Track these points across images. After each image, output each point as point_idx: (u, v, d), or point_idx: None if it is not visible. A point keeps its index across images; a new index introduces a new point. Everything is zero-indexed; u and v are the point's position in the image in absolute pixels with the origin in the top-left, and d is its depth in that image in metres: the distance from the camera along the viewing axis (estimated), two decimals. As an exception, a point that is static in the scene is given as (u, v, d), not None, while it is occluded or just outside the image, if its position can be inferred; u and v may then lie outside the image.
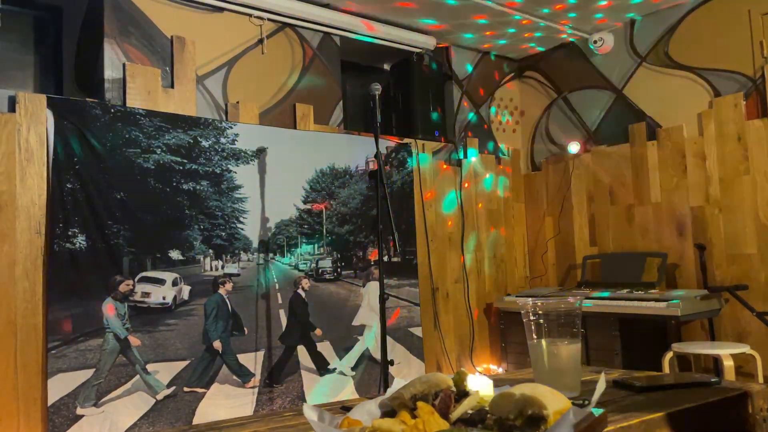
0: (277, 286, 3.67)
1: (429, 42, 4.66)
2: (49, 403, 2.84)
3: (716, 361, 3.50)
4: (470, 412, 1.08)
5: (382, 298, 2.79)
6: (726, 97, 4.05)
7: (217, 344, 3.36)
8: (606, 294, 3.99)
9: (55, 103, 3.02)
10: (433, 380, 1.11)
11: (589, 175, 4.81)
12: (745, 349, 3.44)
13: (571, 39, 4.88)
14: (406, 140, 4.43)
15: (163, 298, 3.25)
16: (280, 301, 3.67)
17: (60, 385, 2.88)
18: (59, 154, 3.00)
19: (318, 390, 3.69)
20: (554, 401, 1.00)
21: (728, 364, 3.28)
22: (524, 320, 1.44)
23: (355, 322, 3.95)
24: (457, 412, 1.07)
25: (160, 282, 3.26)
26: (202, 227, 3.44)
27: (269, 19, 3.94)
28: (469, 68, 5.05)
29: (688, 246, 4.20)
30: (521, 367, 4.32)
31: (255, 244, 3.62)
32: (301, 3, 3.96)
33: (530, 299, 1.43)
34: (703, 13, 4.19)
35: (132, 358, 3.09)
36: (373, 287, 4.00)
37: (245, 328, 3.49)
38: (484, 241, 4.92)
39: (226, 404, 3.31)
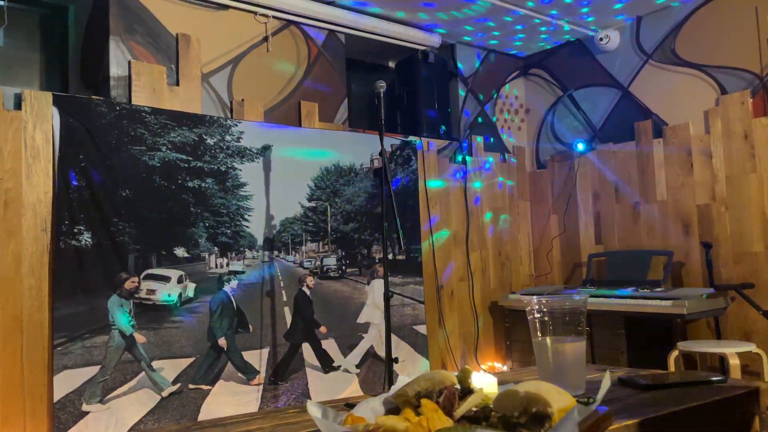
0: (281, 284, 3.68)
1: (434, 39, 4.66)
2: (55, 399, 2.85)
3: (722, 359, 3.49)
4: (474, 409, 1.08)
5: (387, 296, 2.79)
6: (733, 94, 4.03)
7: (222, 341, 3.36)
8: (611, 292, 3.98)
9: (60, 100, 3.03)
10: (438, 377, 1.11)
11: (595, 173, 4.79)
12: (751, 347, 3.42)
13: (576, 36, 4.87)
14: (410, 138, 4.42)
15: (169, 296, 3.26)
16: (284, 299, 3.67)
17: (66, 382, 2.89)
18: (65, 152, 3.01)
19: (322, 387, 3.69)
20: (559, 399, 1.00)
21: (734, 362, 3.27)
22: (529, 318, 1.43)
23: (360, 320, 3.95)
24: (461, 410, 1.07)
25: (166, 279, 3.27)
26: (207, 225, 3.44)
27: (274, 17, 3.94)
28: (475, 66, 5.04)
29: (694, 244, 4.18)
30: (526, 365, 4.32)
31: (260, 242, 3.62)
32: (306, 0, 3.96)
33: (535, 297, 1.42)
34: (710, 11, 4.17)
35: (137, 355, 3.10)
36: (378, 285, 4.00)
37: (250, 326, 3.49)
38: (489, 239, 4.91)
39: (231, 401, 3.32)
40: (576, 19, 4.52)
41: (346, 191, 4.04)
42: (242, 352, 3.43)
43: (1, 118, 2.89)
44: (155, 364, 3.14)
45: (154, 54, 3.48)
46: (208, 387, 3.28)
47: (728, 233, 4.02)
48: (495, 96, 5.17)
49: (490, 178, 4.97)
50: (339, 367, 3.79)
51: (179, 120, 3.35)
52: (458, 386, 1.11)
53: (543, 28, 4.66)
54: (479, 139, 4.94)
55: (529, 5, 4.22)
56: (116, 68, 3.34)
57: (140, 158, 3.21)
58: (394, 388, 1.17)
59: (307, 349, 3.69)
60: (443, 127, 4.72)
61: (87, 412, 2.92)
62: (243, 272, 3.55)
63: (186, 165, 3.37)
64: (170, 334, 3.22)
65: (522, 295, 4.51)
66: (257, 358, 3.48)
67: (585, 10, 4.34)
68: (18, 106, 2.94)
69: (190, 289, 3.35)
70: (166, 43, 3.53)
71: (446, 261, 4.59)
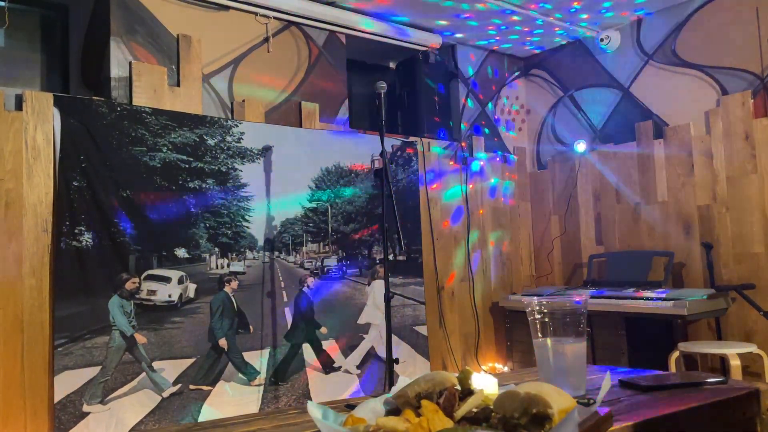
0: (282, 285, 3.68)
1: (435, 40, 4.66)
2: (56, 400, 2.85)
3: (723, 360, 3.48)
4: (475, 410, 1.08)
5: (387, 297, 2.79)
6: (733, 95, 4.03)
7: (222, 342, 3.36)
8: (612, 293, 3.97)
9: (61, 101, 3.04)
10: (438, 378, 1.11)
11: (596, 174, 4.79)
12: (752, 348, 3.42)
13: (577, 37, 4.86)
14: (411, 139, 4.43)
15: (169, 296, 3.26)
16: (285, 300, 3.67)
17: (66, 383, 2.89)
18: (66, 153, 3.01)
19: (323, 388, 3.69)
20: (559, 400, 1.00)
21: (735, 363, 3.26)
22: (530, 319, 1.43)
23: (361, 321, 3.95)
24: (461, 411, 1.07)
25: (166, 280, 3.27)
26: (207, 225, 3.45)
27: (275, 18, 3.94)
28: (475, 66, 5.04)
29: (694, 245, 4.18)
30: (526, 365, 4.31)
31: (260, 243, 3.62)
32: (307, 1, 3.96)
33: (536, 298, 1.42)
34: (711, 11, 4.17)
35: (138, 356, 3.10)
36: (379, 286, 4.00)
37: (251, 326, 3.50)
38: (490, 240, 4.91)
39: (231, 402, 3.32)
40: (577, 19, 4.51)
41: (347, 192, 4.04)
42: (243, 353, 3.43)
43: (2, 119, 2.89)
44: (156, 364, 3.14)
45: (155, 55, 3.48)
46: (209, 388, 3.28)
47: (729, 234, 4.01)
48: (495, 96, 5.17)
49: (490, 179, 4.98)
50: (340, 367, 3.79)
51: (180, 121, 3.36)
52: (459, 387, 1.11)
53: (544, 29, 4.66)
54: (480, 141, 4.94)
55: (530, 6, 4.22)
56: (117, 69, 3.35)
57: (141, 159, 3.21)
58: (394, 389, 1.17)
59: (307, 349, 3.69)
60: (444, 128, 4.73)
61: (88, 413, 2.92)
62: (243, 273, 3.55)
63: (187, 166, 3.37)
64: (171, 335, 3.23)
65: (523, 295, 4.51)
66: (258, 359, 3.48)
67: (585, 11, 4.34)
68: (19, 106, 2.95)
69: (191, 289, 3.35)
70: (167, 43, 3.53)
71: (447, 260, 4.59)
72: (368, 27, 4.27)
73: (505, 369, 4.61)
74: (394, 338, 3.15)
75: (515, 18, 4.42)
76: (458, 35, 4.75)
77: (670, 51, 4.38)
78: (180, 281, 3.31)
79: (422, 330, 4.25)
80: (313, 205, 3.88)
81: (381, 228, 2.87)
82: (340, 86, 4.26)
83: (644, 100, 4.53)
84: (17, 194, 2.91)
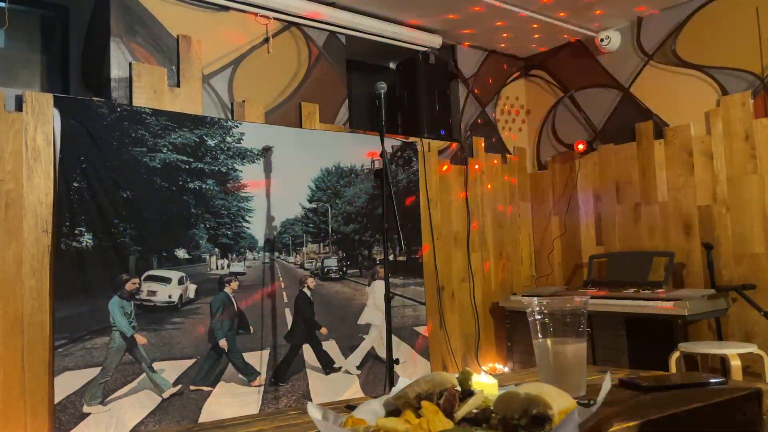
0: (282, 285, 3.68)
1: (435, 40, 4.66)
2: (56, 401, 2.85)
3: (723, 361, 3.48)
4: (475, 411, 1.08)
5: (387, 297, 2.79)
6: (733, 95, 4.03)
7: (222, 343, 3.36)
8: (612, 293, 3.97)
9: (61, 102, 3.03)
10: (438, 379, 1.11)
11: (596, 174, 4.79)
12: (752, 348, 3.42)
13: (577, 37, 4.86)
14: (411, 139, 4.43)
15: (169, 297, 3.26)
16: (285, 300, 3.67)
17: (67, 383, 2.89)
18: (66, 153, 3.01)
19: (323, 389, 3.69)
20: (559, 401, 1.00)
21: (735, 363, 3.26)
22: (530, 319, 1.43)
23: (361, 321, 3.95)
24: (461, 412, 1.07)
25: (166, 280, 3.27)
26: (208, 226, 3.45)
27: (275, 18, 3.94)
28: (475, 67, 5.04)
29: (695, 245, 4.18)
30: (527, 366, 4.31)
31: (261, 243, 3.62)
32: (307, 2, 3.96)
33: (536, 298, 1.42)
34: (711, 12, 4.17)
35: (138, 357, 3.10)
36: (379, 286, 4.00)
37: (251, 327, 3.49)
38: (490, 240, 4.91)
39: (231, 402, 3.32)
40: (577, 19, 4.51)
41: (347, 192, 4.04)
42: (243, 354, 3.43)
43: (2, 120, 2.89)
44: (156, 365, 3.14)
45: (155, 55, 3.48)
46: (209, 388, 3.28)
47: (729, 234, 4.01)
48: (495, 97, 5.16)
49: (490, 179, 4.97)
50: (340, 368, 3.79)
51: (180, 121, 3.36)
52: (459, 388, 1.11)
53: (544, 30, 4.65)
54: (480, 141, 4.94)
55: (530, 6, 4.21)
56: (117, 69, 3.35)
57: (141, 159, 3.21)
58: (394, 390, 1.17)
59: (307, 350, 3.68)
60: (444, 129, 4.72)
61: (88, 414, 2.92)
62: (244, 273, 3.55)
63: (187, 166, 3.37)
64: (171, 336, 3.22)
65: (523, 296, 4.51)
66: (258, 360, 3.48)
67: (585, 11, 4.34)
68: (19, 107, 2.95)
69: (191, 290, 3.35)
70: (167, 44, 3.53)
71: (448, 261, 4.58)
72: (368, 27, 4.27)
73: (506, 369, 4.61)
74: (394, 339, 3.15)
75: (515, 18, 4.41)
76: (458, 35, 4.75)
77: (670, 51, 4.38)
78: (180, 282, 3.31)
79: (422, 330, 4.25)
80: (313, 205, 3.88)
81: (381, 228, 2.87)
82: (340, 86, 4.26)
83: (644, 100, 4.53)
84: (17, 195, 2.91)
